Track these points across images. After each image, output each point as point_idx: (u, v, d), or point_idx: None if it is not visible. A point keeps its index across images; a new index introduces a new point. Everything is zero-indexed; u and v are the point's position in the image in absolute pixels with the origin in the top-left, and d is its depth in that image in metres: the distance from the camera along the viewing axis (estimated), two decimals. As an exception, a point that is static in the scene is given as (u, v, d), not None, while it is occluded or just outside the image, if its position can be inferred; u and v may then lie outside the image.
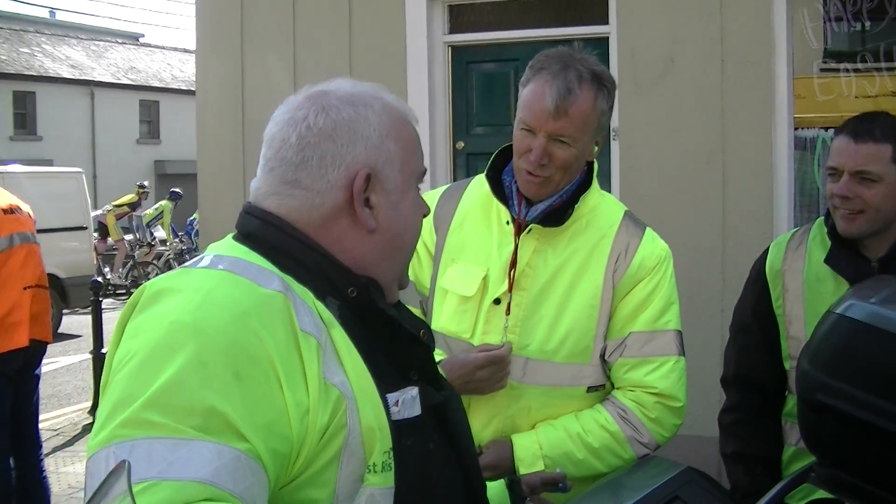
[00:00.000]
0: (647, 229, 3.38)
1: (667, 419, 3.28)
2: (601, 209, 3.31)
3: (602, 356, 3.25)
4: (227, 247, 2.03)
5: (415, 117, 2.20)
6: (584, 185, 3.28)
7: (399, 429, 1.94)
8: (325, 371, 1.82)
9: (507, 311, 3.20)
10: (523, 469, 3.09)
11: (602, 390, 3.28)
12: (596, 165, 3.35)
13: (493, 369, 3.11)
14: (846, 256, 3.56)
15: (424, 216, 2.22)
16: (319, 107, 2.06)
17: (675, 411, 3.31)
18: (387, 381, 1.97)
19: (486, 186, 3.31)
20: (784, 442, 3.77)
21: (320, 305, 1.93)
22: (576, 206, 3.22)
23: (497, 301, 3.21)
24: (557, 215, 3.20)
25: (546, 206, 3.22)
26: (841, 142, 3.52)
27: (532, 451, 3.14)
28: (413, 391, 2.01)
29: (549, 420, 3.21)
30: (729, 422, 3.92)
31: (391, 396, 1.96)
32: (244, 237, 2.05)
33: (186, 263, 2.01)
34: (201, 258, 1.98)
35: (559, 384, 3.19)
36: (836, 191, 3.50)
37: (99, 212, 28.18)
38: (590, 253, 3.23)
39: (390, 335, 2.06)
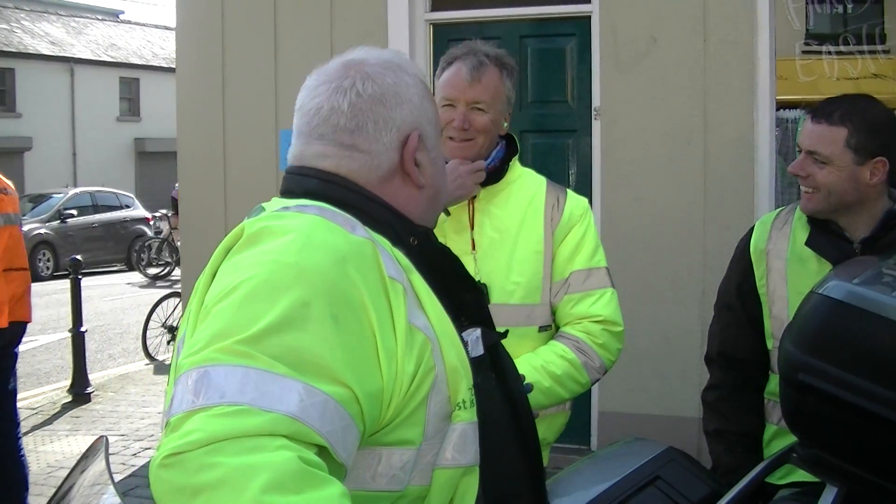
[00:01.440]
0: (567, 189, 3.90)
1: (611, 343, 3.71)
2: (526, 177, 3.85)
3: (548, 299, 3.71)
4: (298, 202, 2.07)
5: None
6: (509, 155, 3.81)
7: (473, 366, 2.06)
8: (409, 315, 1.88)
9: (477, 269, 3.64)
10: None
11: (549, 330, 3.72)
12: (518, 143, 3.90)
13: (469, 164, 3.62)
14: (827, 238, 3.58)
15: None
16: (364, 74, 2.16)
17: (617, 335, 3.74)
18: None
19: None
20: (766, 420, 3.77)
21: (398, 252, 2.02)
22: (507, 167, 3.77)
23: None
24: (495, 175, 3.72)
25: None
26: (805, 121, 3.60)
27: None
28: (477, 332, 2.19)
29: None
30: (712, 399, 3.92)
31: (463, 336, 2.10)
32: (304, 195, 2.10)
33: (272, 209, 2.06)
34: (285, 207, 2.03)
35: (517, 324, 3.54)
36: (790, 168, 3.59)
37: (175, 188, 28.21)
38: (526, 208, 3.73)
39: (446, 282, 2.16)
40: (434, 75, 3.80)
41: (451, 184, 3.50)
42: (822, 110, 3.53)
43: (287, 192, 2.15)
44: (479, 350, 2.16)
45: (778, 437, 3.65)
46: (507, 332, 2.36)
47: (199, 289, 1.94)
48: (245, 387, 1.59)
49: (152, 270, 26.89)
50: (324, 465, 1.59)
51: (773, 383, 3.69)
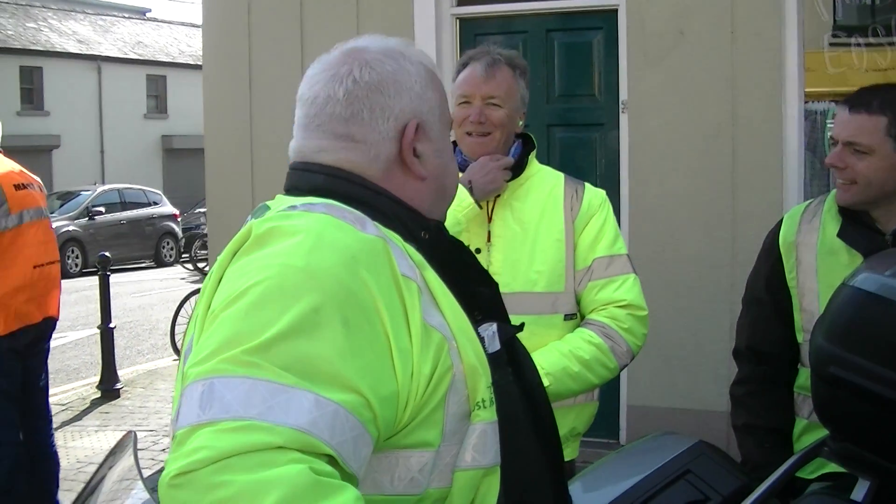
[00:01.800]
0: (584, 182, 4.01)
1: (637, 328, 3.80)
2: (544, 172, 3.97)
3: (572, 287, 3.83)
4: (305, 200, 2.03)
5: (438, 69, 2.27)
6: (527, 150, 3.92)
7: (491, 363, 2.01)
8: (424, 314, 1.85)
9: (489, 260, 3.77)
10: None
11: (574, 319, 3.83)
12: (535, 141, 4.02)
13: (501, 162, 3.76)
14: (858, 230, 3.55)
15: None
16: (362, 61, 2.12)
17: (642, 320, 3.83)
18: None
19: None
20: (796, 414, 3.75)
21: (410, 248, 1.97)
22: (527, 161, 3.89)
23: (478, 250, 3.75)
24: (515, 169, 3.83)
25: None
26: (839, 112, 3.55)
27: None
28: (493, 327, 2.13)
29: (538, 349, 3.63)
30: (740, 394, 3.89)
31: (480, 331, 2.06)
32: (311, 191, 2.07)
33: (278, 208, 2.01)
34: (292, 206, 1.98)
35: (542, 312, 3.74)
36: (827, 160, 3.55)
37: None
38: (546, 199, 3.85)
39: (460, 276, 2.12)
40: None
41: (482, 178, 3.69)
42: (860, 100, 3.49)
43: (292, 189, 2.11)
44: (496, 345, 2.12)
45: (808, 432, 3.63)
46: (523, 325, 2.32)
47: (206, 291, 1.90)
48: (252, 399, 1.56)
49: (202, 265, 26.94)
50: (336, 473, 1.58)
51: (803, 377, 3.67)
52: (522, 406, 2.17)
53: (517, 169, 3.84)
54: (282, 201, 2.05)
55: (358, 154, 2.08)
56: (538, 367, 3.45)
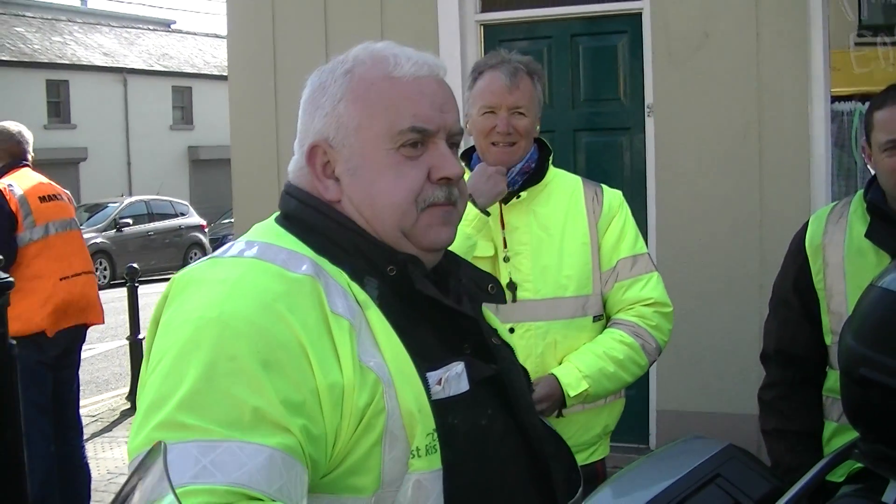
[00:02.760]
0: (601, 183, 4.05)
1: (664, 324, 3.89)
2: (561, 176, 4.00)
3: (599, 289, 3.88)
4: (265, 230, 2.04)
5: (427, 68, 2.07)
6: (543, 155, 3.95)
7: (445, 407, 1.90)
8: (360, 353, 1.80)
9: (506, 260, 3.80)
10: (571, 391, 3.61)
11: (602, 320, 3.89)
12: (549, 145, 4.04)
13: (498, 168, 3.76)
14: (887, 230, 3.53)
15: (443, 177, 2.02)
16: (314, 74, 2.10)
17: (668, 316, 3.92)
18: (434, 358, 1.94)
19: None
20: (825, 418, 3.73)
21: (355, 287, 1.92)
22: (547, 166, 3.92)
23: (507, 258, 3.81)
24: (536, 176, 3.88)
25: (519, 173, 3.86)
26: (893, 111, 3.49)
27: (574, 375, 3.65)
28: (458, 367, 1.96)
29: (572, 352, 3.76)
30: (769, 398, 3.88)
31: (434, 374, 1.91)
32: (284, 217, 2.06)
33: (218, 251, 2.00)
34: (232, 245, 1.97)
35: (573, 315, 3.79)
36: None
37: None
38: (568, 204, 3.89)
39: (434, 311, 2.01)
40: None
41: (484, 184, 3.70)
42: None
43: (279, 209, 2.10)
44: (462, 386, 1.96)
45: (838, 435, 3.62)
46: (498, 369, 2.08)
47: (148, 336, 1.89)
48: (185, 464, 1.56)
49: None
50: None
51: (832, 380, 3.67)
52: (509, 445, 2.04)
53: (538, 174, 3.89)
54: (254, 229, 2.06)
55: (307, 178, 2.07)
56: (575, 370, 3.59)
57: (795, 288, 3.80)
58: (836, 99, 7.50)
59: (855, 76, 7.61)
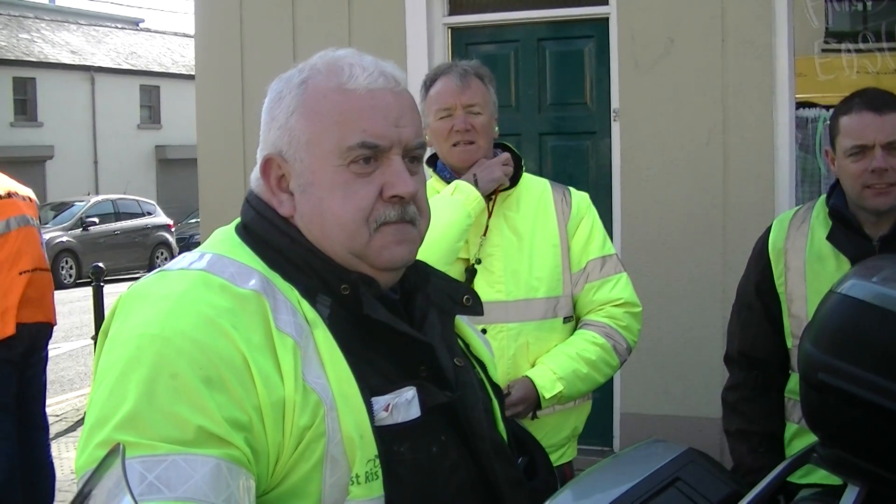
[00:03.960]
0: (567, 186, 4.11)
1: (633, 325, 3.94)
2: (529, 180, 4.04)
3: (570, 290, 3.92)
4: (222, 239, 2.01)
5: (383, 80, 1.98)
6: (515, 159, 3.97)
7: (391, 434, 1.85)
8: (305, 373, 1.78)
9: (478, 262, 3.84)
10: (546, 394, 3.66)
11: (572, 321, 3.94)
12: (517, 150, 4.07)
13: (499, 158, 3.89)
14: (848, 235, 3.58)
15: (395, 195, 1.95)
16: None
17: (637, 316, 3.97)
18: (388, 381, 1.90)
19: (430, 184, 3.83)
20: (787, 419, 3.79)
21: (305, 304, 1.88)
22: (522, 172, 3.96)
23: (479, 261, 3.83)
24: (512, 181, 3.91)
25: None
26: (863, 118, 3.51)
27: (549, 377, 3.69)
28: (409, 393, 1.89)
29: (544, 355, 3.81)
30: (732, 399, 3.93)
31: (382, 399, 1.86)
32: (243, 227, 2.02)
33: (170, 262, 1.97)
34: (184, 256, 1.95)
35: (544, 317, 3.84)
36: (873, 166, 3.48)
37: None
38: (537, 207, 3.94)
39: (388, 333, 1.94)
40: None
41: (483, 171, 3.79)
42: (879, 101, 3.52)
43: (241, 217, 2.06)
44: (412, 413, 1.88)
45: (799, 436, 3.67)
46: (457, 394, 2.02)
47: (97, 350, 1.87)
48: (130, 480, 1.50)
49: None
50: None
51: (794, 382, 3.70)
52: (465, 473, 1.97)
53: (513, 179, 3.93)
54: (213, 236, 2.04)
55: (264, 189, 2.03)
56: (549, 372, 3.62)
57: (758, 291, 3.85)
58: (800, 105, 7.56)
59: (820, 83, 7.66)
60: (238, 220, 2.07)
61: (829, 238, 3.62)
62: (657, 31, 7.65)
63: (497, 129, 3.96)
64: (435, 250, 3.48)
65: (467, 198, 3.71)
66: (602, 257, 3.95)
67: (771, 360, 3.82)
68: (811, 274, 3.66)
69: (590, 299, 3.92)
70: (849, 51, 7.63)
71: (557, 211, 3.94)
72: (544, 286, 3.85)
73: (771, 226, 3.89)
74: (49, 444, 6.90)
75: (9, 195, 6.61)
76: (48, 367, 7.08)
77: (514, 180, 3.93)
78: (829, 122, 3.73)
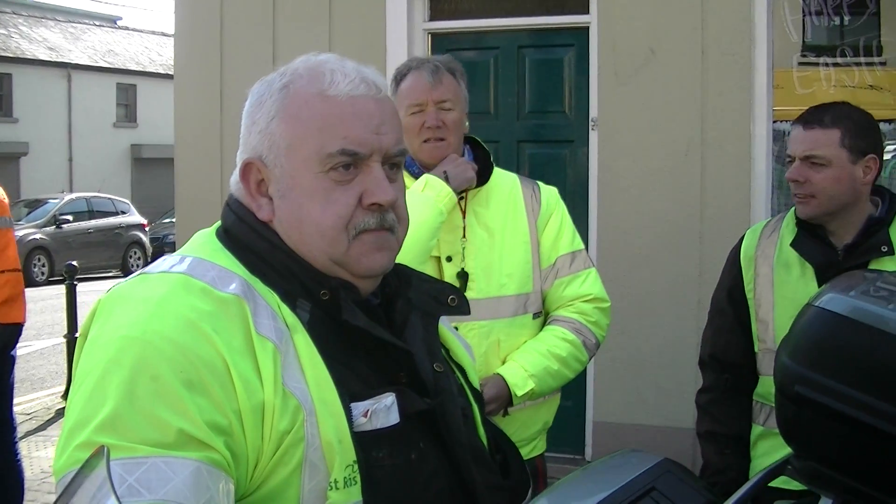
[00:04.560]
0: (536, 180, 4.11)
1: (602, 320, 3.97)
2: (498, 175, 4.00)
3: (539, 286, 3.93)
4: (202, 242, 2.01)
5: (364, 87, 1.97)
6: (481, 155, 3.97)
7: (370, 440, 1.85)
8: (284, 377, 1.78)
9: (448, 260, 3.82)
10: (518, 391, 3.68)
11: (541, 317, 3.96)
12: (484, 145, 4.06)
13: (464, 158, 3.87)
14: (813, 243, 3.71)
15: (374, 202, 1.95)
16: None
17: (606, 311, 4.00)
18: (368, 386, 1.89)
19: None
20: (753, 421, 3.91)
21: (285, 309, 1.88)
22: (493, 168, 3.95)
23: (449, 258, 3.82)
24: (482, 177, 3.89)
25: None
26: (794, 130, 3.71)
27: (520, 375, 3.71)
28: (388, 399, 1.90)
29: (515, 351, 3.82)
30: (704, 401, 4.07)
31: (361, 405, 1.86)
32: (224, 231, 2.02)
33: (150, 265, 1.96)
34: (165, 258, 1.94)
35: (515, 313, 3.84)
36: (788, 175, 3.70)
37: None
38: (507, 203, 3.92)
39: (368, 339, 1.94)
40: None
41: (455, 168, 3.76)
42: (813, 117, 3.67)
43: (221, 221, 2.06)
44: (391, 419, 1.89)
45: (763, 438, 3.81)
46: (436, 402, 2.01)
47: (76, 351, 1.88)
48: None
49: None
50: None
51: (761, 386, 3.85)
52: (441, 481, 1.97)
53: (484, 176, 3.91)
54: (194, 239, 2.04)
55: (243, 193, 2.02)
56: (521, 369, 3.64)
57: (730, 297, 3.97)
58: (778, 119, 7.60)
59: (797, 96, 7.70)
60: (218, 223, 2.06)
61: (793, 245, 3.75)
62: (638, 41, 7.68)
63: (467, 124, 3.94)
64: (408, 249, 3.48)
65: (438, 194, 3.69)
66: (572, 253, 3.98)
67: (741, 363, 3.93)
68: (778, 280, 3.79)
69: (559, 295, 3.94)
70: (826, 65, 7.68)
71: (527, 207, 3.95)
72: (515, 283, 3.85)
73: (744, 235, 4.02)
74: (17, 443, 6.85)
75: None
76: (19, 366, 7.04)
77: (485, 177, 3.92)
78: None
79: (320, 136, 1.92)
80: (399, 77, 3.90)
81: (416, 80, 3.83)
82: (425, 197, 3.68)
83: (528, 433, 3.90)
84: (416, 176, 3.84)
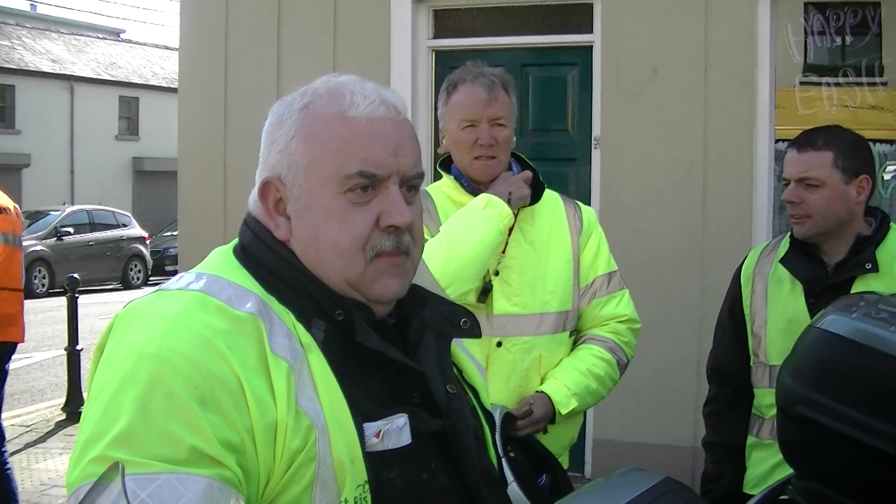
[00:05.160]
0: (575, 200, 4.16)
1: (633, 340, 4.04)
2: (544, 193, 4.00)
3: (576, 304, 3.96)
4: (219, 260, 2.02)
5: (384, 109, 1.98)
6: (534, 173, 3.97)
7: (382, 460, 1.85)
8: (298, 396, 1.79)
9: (496, 274, 3.80)
10: (563, 410, 3.73)
11: (574, 335, 4.00)
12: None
13: (522, 175, 3.87)
14: (803, 260, 3.83)
15: (391, 224, 1.95)
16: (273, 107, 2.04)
17: (637, 332, 4.08)
18: (381, 406, 1.90)
19: (443, 190, 3.99)
20: (748, 432, 4.03)
21: (300, 328, 1.89)
22: (544, 187, 3.96)
23: (497, 273, 3.80)
24: (535, 195, 3.89)
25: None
26: (789, 153, 3.82)
27: (564, 393, 3.76)
28: (401, 420, 1.90)
29: (552, 369, 3.87)
30: (706, 413, 4.23)
31: (374, 426, 1.87)
32: (241, 249, 2.03)
33: (168, 281, 1.97)
34: (183, 275, 1.95)
35: (556, 331, 3.87)
36: (784, 197, 3.82)
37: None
38: (551, 221, 3.95)
39: (382, 359, 1.95)
40: (435, 100, 3.90)
41: (515, 189, 3.78)
42: (806, 140, 3.78)
43: (239, 239, 2.06)
44: (403, 439, 1.89)
45: (756, 448, 3.95)
46: (448, 423, 2.02)
47: (91, 365, 1.89)
48: (121, 499, 1.54)
49: None
50: None
51: (756, 398, 4.00)
52: (450, 501, 1.97)
53: (536, 195, 3.92)
54: (211, 256, 2.05)
55: (262, 212, 2.02)
56: (564, 388, 3.83)
57: (731, 313, 4.11)
58: (780, 138, 7.62)
59: (799, 116, 7.74)
60: (236, 240, 2.07)
61: (782, 261, 3.88)
62: (641, 60, 7.70)
63: (514, 139, 3.93)
64: (470, 267, 3.63)
65: (500, 214, 3.70)
66: (608, 273, 4.03)
67: (740, 376, 4.05)
68: (771, 296, 3.92)
69: (596, 314, 3.99)
70: (828, 85, 7.71)
71: (570, 225, 3.98)
72: (557, 300, 3.88)
73: (747, 255, 4.17)
74: (6, 452, 6.85)
75: (2, 210, 6.61)
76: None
77: (538, 196, 3.93)
78: None
79: (339, 157, 1.93)
80: (451, 87, 3.88)
81: (470, 95, 3.80)
82: (487, 216, 3.69)
83: (556, 448, 3.89)
84: (467, 189, 3.88)
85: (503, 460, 2.54)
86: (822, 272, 3.77)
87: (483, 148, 3.78)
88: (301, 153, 1.95)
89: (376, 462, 1.84)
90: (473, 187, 3.87)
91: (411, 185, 2.01)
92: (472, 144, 3.79)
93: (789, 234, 3.95)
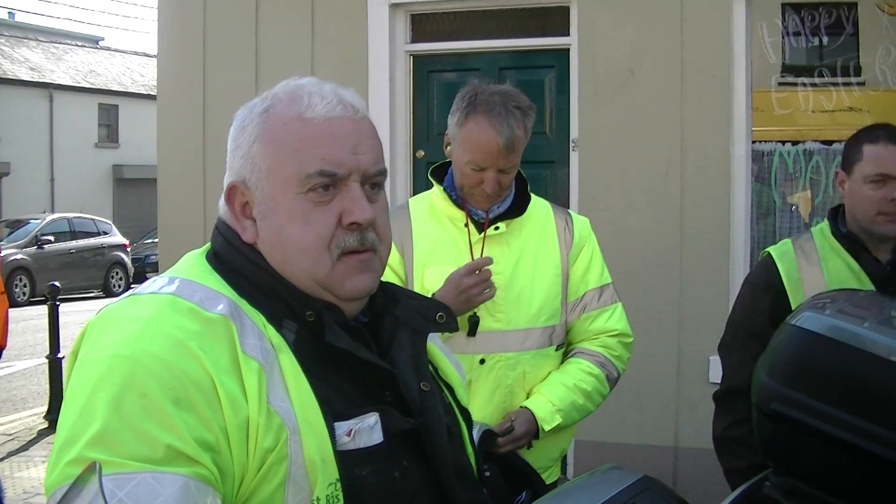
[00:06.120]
0: (568, 210, 4.09)
1: (625, 354, 4.00)
2: (532, 203, 3.92)
3: (564, 318, 3.89)
4: (191, 264, 2.04)
5: (341, 108, 2.00)
6: (521, 183, 3.91)
7: (353, 459, 1.87)
8: (269, 396, 1.80)
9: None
10: (546, 426, 3.69)
11: (562, 349, 3.93)
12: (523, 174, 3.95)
13: (476, 277, 3.59)
14: (870, 258, 3.72)
15: (353, 221, 1.96)
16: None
17: (629, 346, 4.03)
18: (352, 405, 1.92)
19: (431, 199, 3.97)
20: None
21: (271, 329, 1.91)
22: (529, 201, 3.87)
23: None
24: (517, 209, 3.83)
25: (505, 204, 3.84)
26: (889, 150, 3.69)
27: (548, 409, 3.72)
28: (371, 418, 1.92)
29: (539, 384, 3.82)
30: (740, 434, 3.72)
31: (345, 425, 1.88)
32: (213, 253, 2.05)
33: (140, 286, 1.99)
34: (155, 280, 1.97)
35: (542, 346, 3.81)
36: (893, 195, 3.65)
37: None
38: (540, 234, 3.88)
39: (352, 359, 1.96)
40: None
41: (454, 297, 3.55)
42: (892, 134, 3.69)
43: (210, 244, 2.09)
44: (374, 438, 1.91)
45: None
46: (420, 421, 2.03)
47: (66, 370, 1.90)
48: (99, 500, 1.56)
49: None
50: None
51: None
52: (424, 499, 1.99)
53: (520, 208, 3.85)
54: (183, 260, 2.06)
55: (230, 216, 2.05)
56: (549, 404, 3.78)
57: (772, 322, 3.55)
58: (757, 139, 7.66)
59: (776, 117, 7.76)
60: (208, 245, 2.09)
61: (858, 260, 3.72)
62: (618, 62, 7.73)
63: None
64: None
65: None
66: (600, 287, 3.96)
67: None
68: None
69: (585, 328, 3.93)
70: (805, 86, 7.74)
71: (560, 239, 3.91)
72: (545, 315, 3.81)
73: (769, 261, 3.88)
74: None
75: None
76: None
77: (522, 209, 3.85)
78: (848, 144, 3.87)
79: (298, 158, 1.95)
80: (469, 107, 3.69)
81: (486, 140, 3.62)
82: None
83: (546, 461, 3.89)
84: (455, 202, 3.83)
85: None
86: (885, 270, 3.70)
87: (488, 194, 3.70)
88: (262, 156, 1.98)
89: (348, 461, 1.86)
90: (461, 202, 3.82)
91: (374, 183, 2.02)
92: (475, 184, 3.71)
93: (819, 235, 3.86)
